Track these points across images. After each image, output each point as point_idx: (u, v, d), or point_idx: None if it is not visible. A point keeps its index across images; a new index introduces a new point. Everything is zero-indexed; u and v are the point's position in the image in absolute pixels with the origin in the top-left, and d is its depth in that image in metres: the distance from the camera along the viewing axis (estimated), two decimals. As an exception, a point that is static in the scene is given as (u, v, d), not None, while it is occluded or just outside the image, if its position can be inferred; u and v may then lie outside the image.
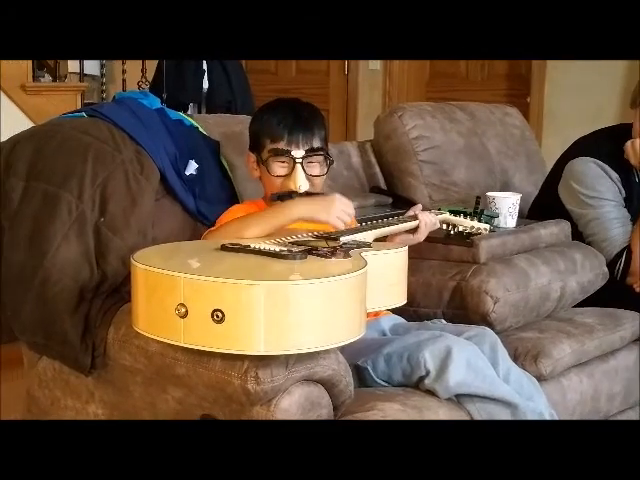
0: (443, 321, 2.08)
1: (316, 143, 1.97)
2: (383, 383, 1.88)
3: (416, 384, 1.84)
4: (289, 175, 1.94)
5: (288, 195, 1.93)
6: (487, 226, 2.16)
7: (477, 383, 1.79)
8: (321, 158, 1.99)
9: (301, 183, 1.93)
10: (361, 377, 1.88)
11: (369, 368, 1.88)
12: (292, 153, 1.94)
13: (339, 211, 1.83)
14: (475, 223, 2.15)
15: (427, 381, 1.80)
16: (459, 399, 1.82)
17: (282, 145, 1.94)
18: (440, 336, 1.85)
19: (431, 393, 1.81)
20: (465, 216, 2.16)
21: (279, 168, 1.96)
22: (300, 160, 1.94)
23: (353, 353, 1.81)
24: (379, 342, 1.92)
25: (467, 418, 1.81)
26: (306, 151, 1.95)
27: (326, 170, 2.01)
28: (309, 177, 1.95)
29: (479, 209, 2.19)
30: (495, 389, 1.80)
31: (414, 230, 2.03)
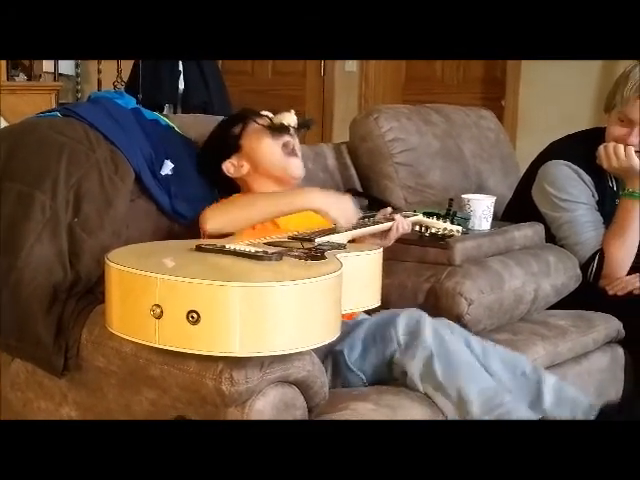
0: None
1: None
2: (356, 370, 1.89)
3: (389, 365, 1.85)
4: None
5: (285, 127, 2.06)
6: (459, 228, 2.17)
7: (442, 350, 1.81)
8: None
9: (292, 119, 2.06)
10: (335, 362, 1.90)
11: (345, 352, 1.89)
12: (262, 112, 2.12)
13: (351, 216, 1.88)
14: (447, 225, 2.16)
15: (397, 355, 1.82)
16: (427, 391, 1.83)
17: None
18: (411, 311, 1.88)
19: (404, 392, 1.82)
20: (438, 218, 2.17)
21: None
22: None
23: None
24: (353, 326, 1.93)
25: (440, 417, 1.82)
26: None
27: None
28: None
29: (452, 211, 2.20)
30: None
31: (383, 234, 2.04)
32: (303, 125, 2.10)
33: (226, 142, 2.13)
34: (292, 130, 2.08)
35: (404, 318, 1.86)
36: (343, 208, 1.89)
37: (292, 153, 2.09)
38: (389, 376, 1.87)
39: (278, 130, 2.06)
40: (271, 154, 2.08)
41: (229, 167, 2.11)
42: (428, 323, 1.84)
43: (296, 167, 2.10)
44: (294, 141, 2.10)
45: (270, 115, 2.12)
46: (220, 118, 2.48)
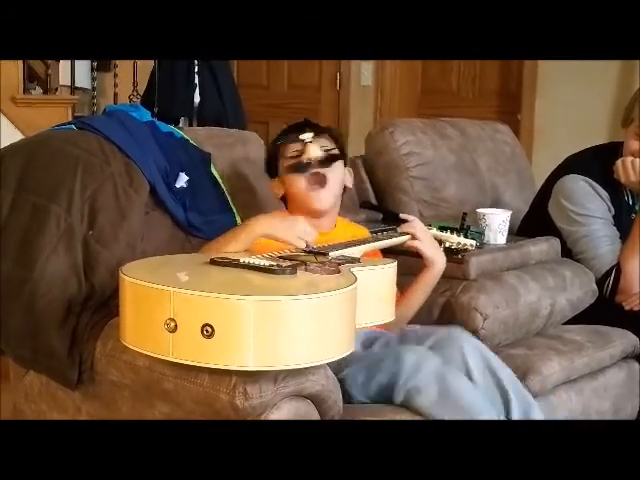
0: (417, 326, 2.07)
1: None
2: (361, 398, 1.87)
3: (391, 397, 1.83)
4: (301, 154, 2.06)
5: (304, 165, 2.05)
6: (473, 242, 2.16)
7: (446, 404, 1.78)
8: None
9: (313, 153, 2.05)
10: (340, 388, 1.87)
11: (348, 381, 1.87)
12: (300, 137, 2.08)
13: (301, 231, 1.82)
14: (461, 239, 2.15)
15: (397, 396, 1.80)
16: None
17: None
18: (410, 350, 1.84)
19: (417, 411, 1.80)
20: (452, 232, 2.17)
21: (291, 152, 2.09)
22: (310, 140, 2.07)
23: (333, 366, 1.80)
24: (357, 355, 1.90)
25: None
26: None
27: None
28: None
29: (465, 225, 2.19)
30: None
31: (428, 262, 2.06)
32: (328, 160, 2.07)
33: (270, 163, 2.16)
34: (315, 162, 2.05)
35: (409, 357, 1.81)
36: (289, 226, 1.84)
37: (318, 185, 2.05)
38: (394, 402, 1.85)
39: (298, 170, 2.05)
40: (293, 187, 2.08)
41: (272, 187, 2.16)
42: (431, 363, 1.80)
43: (317, 200, 2.06)
44: (325, 170, 2.06)
45: (307, 139, 2.07)
46: (234, 131, 2.49)
